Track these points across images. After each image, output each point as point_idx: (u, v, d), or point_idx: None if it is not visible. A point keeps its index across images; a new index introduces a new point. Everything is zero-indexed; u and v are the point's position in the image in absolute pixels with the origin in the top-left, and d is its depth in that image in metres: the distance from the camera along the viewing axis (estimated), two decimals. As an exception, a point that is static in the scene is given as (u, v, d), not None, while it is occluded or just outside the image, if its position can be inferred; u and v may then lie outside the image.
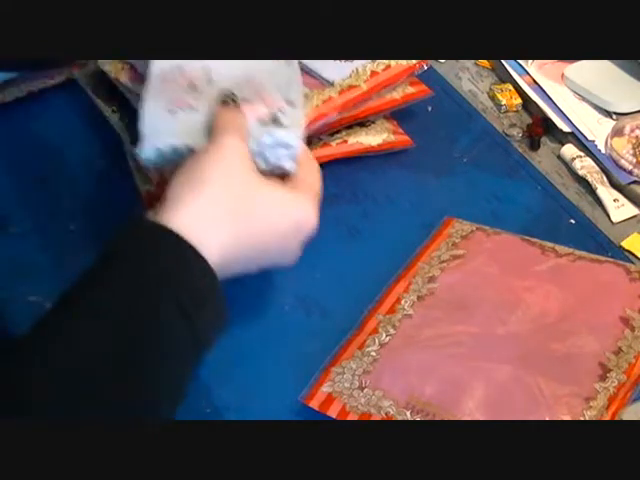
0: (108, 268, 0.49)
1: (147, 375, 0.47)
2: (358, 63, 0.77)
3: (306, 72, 0.76)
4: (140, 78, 0.75)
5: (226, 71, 0.64)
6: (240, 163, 0.55)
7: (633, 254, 0.71)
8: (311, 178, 0.59)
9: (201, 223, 0.51)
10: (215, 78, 0.63)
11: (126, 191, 0.76)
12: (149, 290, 0.48)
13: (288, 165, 0.59)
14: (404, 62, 0.77)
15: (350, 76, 0.76)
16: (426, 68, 0.78)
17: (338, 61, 0.77)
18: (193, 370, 0.50)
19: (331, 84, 0.75)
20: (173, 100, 0.61)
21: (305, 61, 0.76)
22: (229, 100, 0.59)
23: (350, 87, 0.75)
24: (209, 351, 0.50)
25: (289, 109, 0.61)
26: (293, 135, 0.59)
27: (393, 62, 0.77)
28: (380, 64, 0.76)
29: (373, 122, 0.79)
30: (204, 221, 0.52)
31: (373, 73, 0.76)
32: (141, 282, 0.48)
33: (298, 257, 0.58)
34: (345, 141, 0.77)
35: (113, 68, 0.77)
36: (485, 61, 0.92)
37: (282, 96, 0.63)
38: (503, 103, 0.86)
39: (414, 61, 0.77)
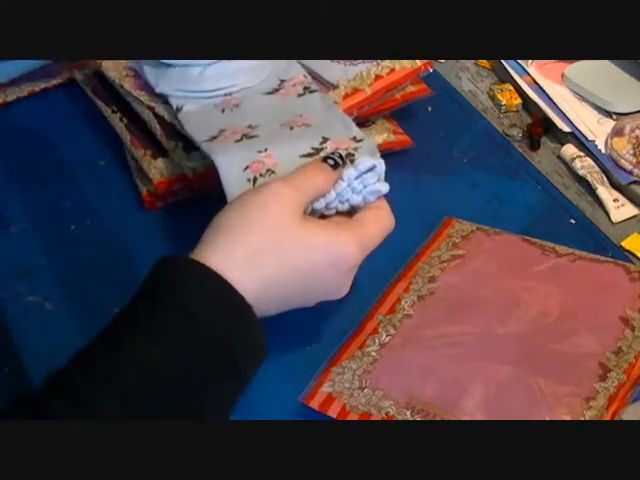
0: (151, 311, 0.50)
1: (195, 410, 0.49)
2: (362, 66, 0.76)
3: (310, 75, 0.76)
4: (143, 85, 0.75)
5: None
6: (277, 206, 0.55)
7: (633, 254, 0.71)
8: (370, 220, 0.59)
9: (233, 267, 0.52)
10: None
11: (126, 191, 0.77)
12: (197, 332, 0.50)
13: (378, 186, 0.60)
14: (408, 65, 0.76)
15: (354, 79, 0.76)
16: (431, 70, 0.78)
17: (342, 64, 0.77)
18: (237, 400, 0.52)
19: (334, 87, 0.75)
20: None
21: (308, 63, 0.76)
22: (331, 159, 0.59)
23: (354, 90, 0.75)
24: (250, 382, 0.53)
25: (359, 144, 0.63)
26: (371, 158, 0.60)
27: (397, 65, 0.76)
28: (384, 67, 0.76)
29: (373, 122, 0.79)
30: (236, 265, 0.53)
31: (377, 77, 0.76)
32: (188, 326, 0.50)
33: (346, 291, 0.58)
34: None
35: (117, 75, 0.77)
36: (485, 61, 0.92)
37: (345, 136, 0.64)
38: (503, 103, 0.86)
39: (418, 63, 0.77)
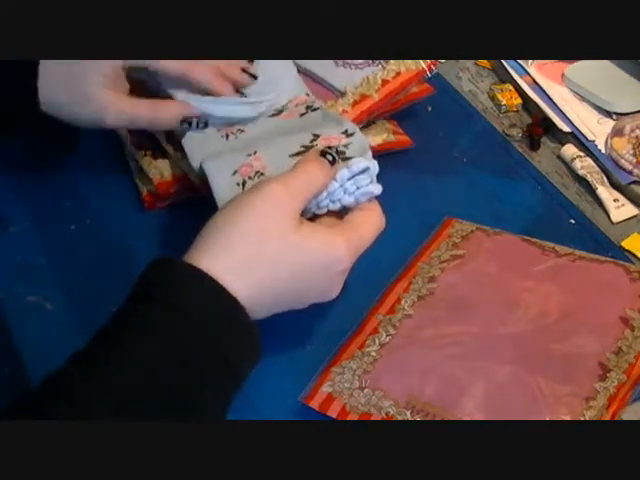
0: (147, 311, 0.50)
1: (193, 410, 0.50)
2: (368, 70, 0.76)
3: (317, 82, 0.76)
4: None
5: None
6: (274, 215, 0.55)
7: (633, 254, 0.71)
8: (362, 221, 0.59)
9: (226, 272, 0.52)
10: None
11: (126, 191, 0.77)
12: (194, 331, 0.50)
13: (371, 187, 0.59)
14: (413, 67, 0.77)
15: (361, 84, 0.76)
16: (435, 70, 0.78)
17: (347, 68, 0.77)
18: (233, 398, 0.53)
19: (342, 93, 0.75)
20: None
21: (314, 69, 0.76)
22: (330, 155, 0.59)
23: (362, 97, 0.75)
24: (246, 380, 0.53)
25: (350, 139, 0.62)
26: (364, 159, 0.60)
27: (402, 68, 0.76)
28: (390, 71, 0.76)
29: (373, 122, 0.79)
30: (229, 271, 0.53)
31: (384, 82, 0.76)
32: (186, 326, 0.50)
33: (337, 292, 0.59)
34: (345, 141, 0.77)
35: None
36: (485, 61, 0.92)
37: (336, 131, 0.63)
38: (503, 103, 0.86)
39: (423, 65, 0.77)
